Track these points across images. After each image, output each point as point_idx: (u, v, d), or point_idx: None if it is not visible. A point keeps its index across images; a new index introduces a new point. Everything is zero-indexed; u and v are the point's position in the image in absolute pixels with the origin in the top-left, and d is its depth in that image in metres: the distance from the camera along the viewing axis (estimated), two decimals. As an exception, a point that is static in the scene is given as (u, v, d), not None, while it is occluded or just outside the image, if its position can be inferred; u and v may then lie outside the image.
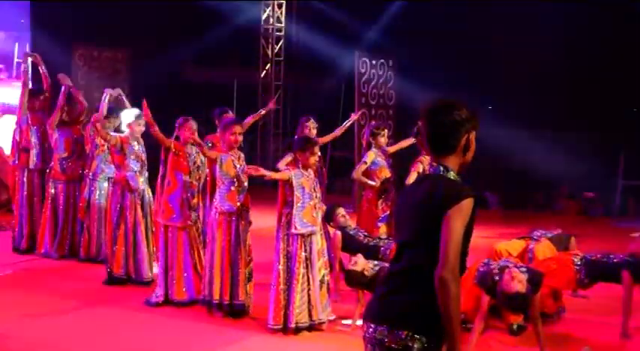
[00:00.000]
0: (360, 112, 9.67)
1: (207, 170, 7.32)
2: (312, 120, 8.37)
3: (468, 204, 2.88)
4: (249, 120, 7.98)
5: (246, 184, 6.84)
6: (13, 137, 9.63)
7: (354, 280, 6.10)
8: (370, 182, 8.01)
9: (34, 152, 9.39)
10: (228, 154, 6.76)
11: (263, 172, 6.27)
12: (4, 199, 11.84)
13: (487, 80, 14.79)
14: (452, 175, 3.01)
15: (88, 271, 8.48)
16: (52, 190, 9.16)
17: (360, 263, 6.10)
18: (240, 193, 6.78)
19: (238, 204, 6.76)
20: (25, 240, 9.38)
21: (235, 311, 6.75)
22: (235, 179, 6.75)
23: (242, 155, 6.93)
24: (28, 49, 9.70)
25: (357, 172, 7.99)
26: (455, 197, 2.88)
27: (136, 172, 7.90)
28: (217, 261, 6.73)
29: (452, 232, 2.83)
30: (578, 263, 6.51)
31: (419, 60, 14.50)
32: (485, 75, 14.89)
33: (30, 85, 9.43)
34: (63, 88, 9.11)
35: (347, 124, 8.68)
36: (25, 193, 9.41)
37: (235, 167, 6.76)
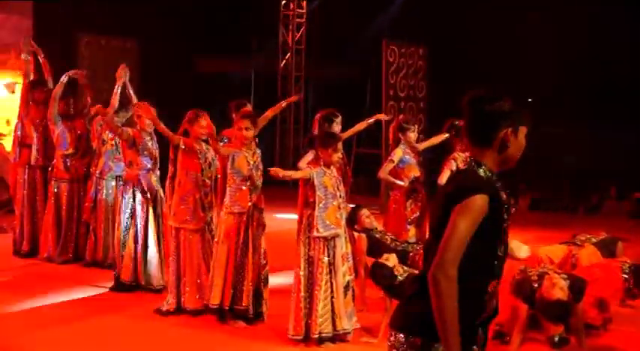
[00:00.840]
0: (387, 117, 9.66)
1: (218, 165, 7.28)
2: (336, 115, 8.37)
3: (477, 201, 2.86)
4: (269, 113, 7.98)
5: (259, 182, 6.86)
6: (15, 132, 9.69)
7: (380, 275, 6.12)
8: (398, 182, 8.00)
9: (35, 148, 9.42)
10: (241, 150, 6.79)
11: (282, 173, 6.26)
12: (4, 198, 11.93)
13: (533, 73, 14.71)
14: (482, 170, 3.00)
15: (93, 277, 8.53)
16: (55, 190, 9.21)
17: (392, 260, 6.11)
18: (252, 193, 6.80)
19: (250, 204, 6.78)
20: (27, 243, 9.43)
21: (237, 316, 6.81)
22: (248, 177, 6.78)
23: (258, 151, 6.94)
24: (29, 38, 9.67)
25: (384, 171, 7.98)
26: (463, 192, 2.88)
27: (148, 169, 7.92)
28: (221, 264, 6.77)
29: (452, 229, 2.84)
30: (627, 271, 6.47)
31: (453, 48, 14.47)
32: (532, 67, 14.80)
33: (31, 77, 9.49)
34: (63, 77, 9.09)
35: (371, 120, 8.65)
36: (27, 192, 9.44)
37: (248, 164, 6.78)
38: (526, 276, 5.96)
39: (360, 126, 8.50)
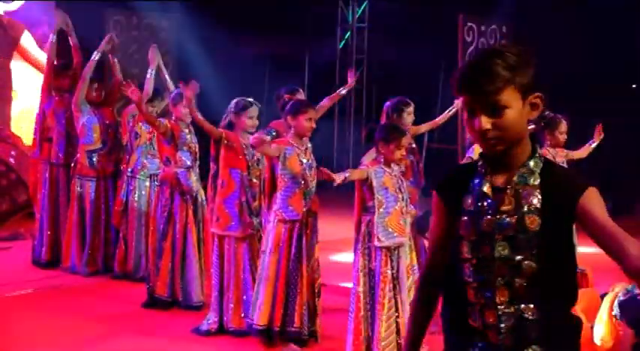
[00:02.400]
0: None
1: (265, 164, 7.26)
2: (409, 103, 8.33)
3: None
4: (326, 102, 7.96)
5: (314, 184, 6.87)
6: (36, 124, 9.75)
7: None
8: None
9: (58, 142, 9.48)
10: (292, 146, 6.79)
11: (333, 176, 6.18)
12: (22, 200, 12.11)
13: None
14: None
15: (124, 291, 8.63)
16: (79, 189, 9.25)
17: None
18: (306, 196, 6.81)
19: (304, 209, 6.79)
20: (48, 251, 9.50)
21: (288, 339, 6.80)
22: (301, 178, 6.78)
23: (309, 147, 6.94)
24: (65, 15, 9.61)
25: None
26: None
27: (188, 167, 7.93)
28: (270, 278, 6.78)
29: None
30: None
31: (541, 26, 14.29)
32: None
33: (55, 61, 9.51)
34: (94, 54, 9.10)
35: (451, 110, 8.60)
36: (47, 192, 9.50)
37: (301, 163, 6.78)
38: (632, 296, 5.85)
39: (439, 120, 8.46)
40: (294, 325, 6.79)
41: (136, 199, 9.02)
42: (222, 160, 7.22)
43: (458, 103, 8.67)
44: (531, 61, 2.84)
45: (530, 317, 2.83)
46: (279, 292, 6.78)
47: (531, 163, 2.88)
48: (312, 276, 6.87)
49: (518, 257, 2.82)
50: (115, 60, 9.40)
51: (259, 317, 6.81)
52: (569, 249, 2.86)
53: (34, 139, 9.82)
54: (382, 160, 6.38)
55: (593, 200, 2.75)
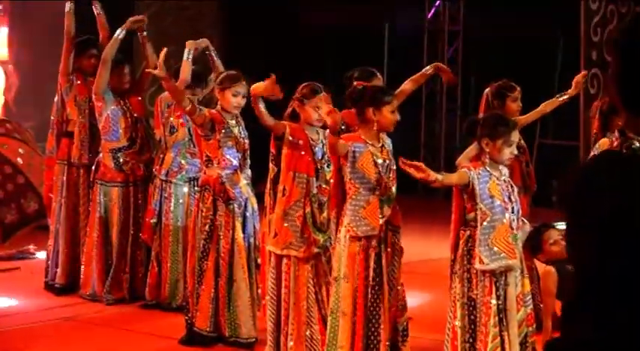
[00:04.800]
0: (585, 74, 9.33)
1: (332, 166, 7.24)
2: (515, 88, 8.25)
3: None
4: (408, 86, 7.93)
5: (394, 190, 6.85)
6: (52, 115, 9.78)
7: None
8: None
9: (80, 138, 9.51)
10: (365, 143, 6.78)
11: (429, 173, 6.21)
12: (32, 210, 12.22)
13: None
14: None
15: (156, 324, 8.68)
16: (101, 198, 9.27)
17: None
18: (384, 206, 6.79)
19: (381, 222, 6.77)
20: (63, 273, 9.56)
21: None
22: (376, 183, 6.77)
23: (388, 143, 6.94)
24: None
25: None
26: None
27: (235, 169, 7.94)
28: (347, 312, 6.76)
29: None
30: None
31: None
32: None
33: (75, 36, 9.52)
34: (118, 31, 9.05)
35: (565, 97, 8.52)
36: (65, 200, 9.54)
37: (376, 165, 6.78)
38: None
39: (547, 106, 8.38)
40: None
41: (171, 208, 9.04)
42: (283, 160, 7.25)
43: (577, 81, 8.58)
44: None
45: None
46: (358, 328, 6.78)
47: None
48: (396, 307, 6.87)
49: None
50: (146, 37, 9.41)
51: None
52: None
53: (50, 133, 9.85)
54: (487, 160, 6.35)
55: None
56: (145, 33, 9.37)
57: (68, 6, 9.53)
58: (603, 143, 7.93)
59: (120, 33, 9.11)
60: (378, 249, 6.79)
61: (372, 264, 6.77)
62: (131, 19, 9.30)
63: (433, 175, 6.27)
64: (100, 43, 9.55)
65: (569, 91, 8.50)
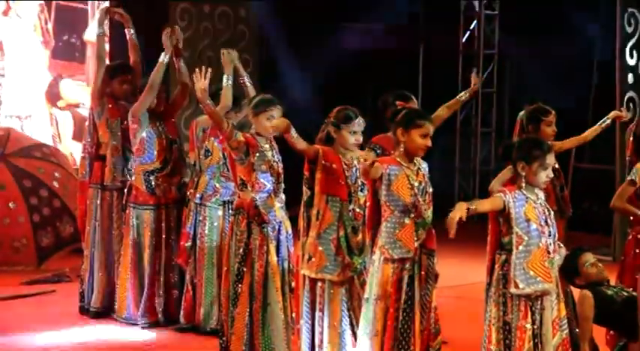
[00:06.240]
0: (626, 115, 9.27)
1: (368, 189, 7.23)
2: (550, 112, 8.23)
3: None
4: (443, 111, 7.93)
5: (429, 213, 6.82)
6: (85, 139, 9.87)
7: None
8: (642, 213, 7.84)
9: (112, 161, 9.55)
10: (400, 165, 6.78)
11: (462, 210, 6.10)
12: (67, 233, 12.29)
13: None
14: None
15: (191, 347, 8.68)
16: (135, 221, 9.31)
17: None
18: (419, 229, 6.77)
19: (416, 244, 6.75)
20: (99, 297, 9.59)
21: None
22: (412, 206, 6.75)
23: (424, 167, 6.92)
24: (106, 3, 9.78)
25: (621, 198, 7.83)
26: None
27: (269, 193, 7.93)
28: (379, 333, 6.73)
29: None
30: None
31: None
32: None
33: (106, 59, 9.68)
34: (162, 56, 9.05)
35: (605, 121, 8.49)
36: (100, 223, 9.58)
37: (412, 187, 6.76)
38: None
39: (589, 134, 8.36)
40: None
41: (206, 232, 9.05)
42: (317, 184, 7.26)
43: (615, 112, 8.54)
44: None
45: None
46: None
47: None
48: (429, 331, 6.82)
49: None
50: (181, 61, 9.48)
51: None
52: None
53: (82, 158, 9.92)
54: (523, 184, 6.34)
55: None
56: (180, 59, 9.43)
57: (99, 29, 9.62)
58: (639, 168, 7.90)
59: (164, 58, 9.13)
60: (411, 272, 6.78)
61: (404, 286, 6.75)
62: (165, 34, 9.18)
63: (464, 209, 6.18)
64: (132, 65, 9.65)
65: (611, 114, 8.53)
